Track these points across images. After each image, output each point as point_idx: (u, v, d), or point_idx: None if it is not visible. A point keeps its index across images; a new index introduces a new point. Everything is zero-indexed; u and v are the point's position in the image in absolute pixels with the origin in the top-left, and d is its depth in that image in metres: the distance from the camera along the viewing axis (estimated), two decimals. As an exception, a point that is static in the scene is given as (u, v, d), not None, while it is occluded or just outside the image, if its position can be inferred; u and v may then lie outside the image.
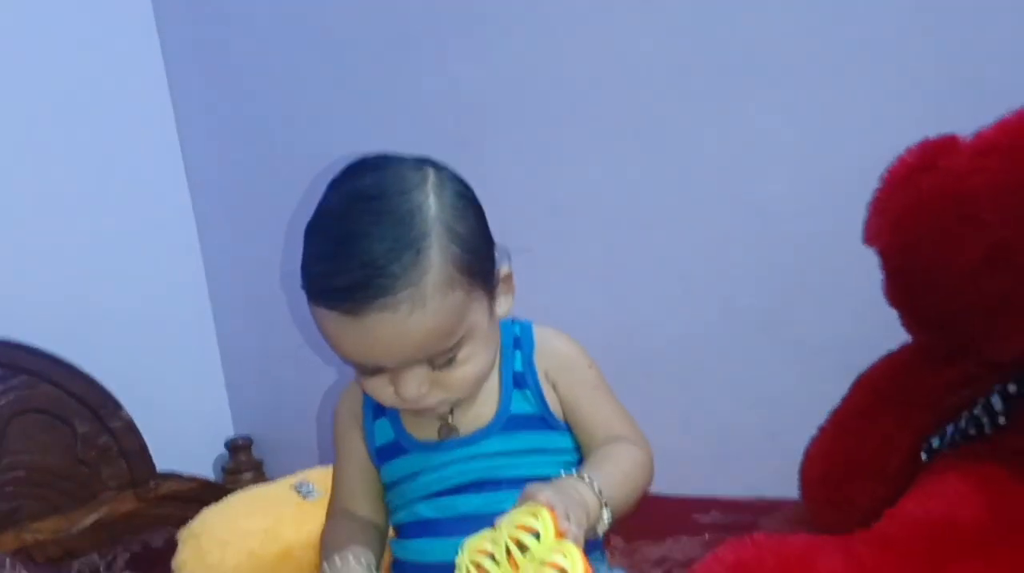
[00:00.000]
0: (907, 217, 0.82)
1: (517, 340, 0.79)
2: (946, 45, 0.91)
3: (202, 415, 1.50)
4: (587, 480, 0.69)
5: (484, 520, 0.68)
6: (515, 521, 0.62)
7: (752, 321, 1.05)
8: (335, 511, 0.83)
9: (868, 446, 0.87)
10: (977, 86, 0.88)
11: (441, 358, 0.70)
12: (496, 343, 0.76)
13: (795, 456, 0.98)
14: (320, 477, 1.02)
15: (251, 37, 1.35)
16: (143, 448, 1.35)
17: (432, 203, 0.69)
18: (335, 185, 0.72)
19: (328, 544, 0.79)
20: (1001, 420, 0.77)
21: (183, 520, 1.02)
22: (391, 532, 0.81)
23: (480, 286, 0.71)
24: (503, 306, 0.76)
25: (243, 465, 1.47)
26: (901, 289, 0.85)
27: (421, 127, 1.20)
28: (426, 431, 0.78)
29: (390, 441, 0.79)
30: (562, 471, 0.71)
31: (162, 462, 1.36)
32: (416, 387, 0.70)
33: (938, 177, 0.79)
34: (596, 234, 1.12)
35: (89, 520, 1.28)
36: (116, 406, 1.31)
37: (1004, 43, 0.89)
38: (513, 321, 0.80)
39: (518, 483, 0.70)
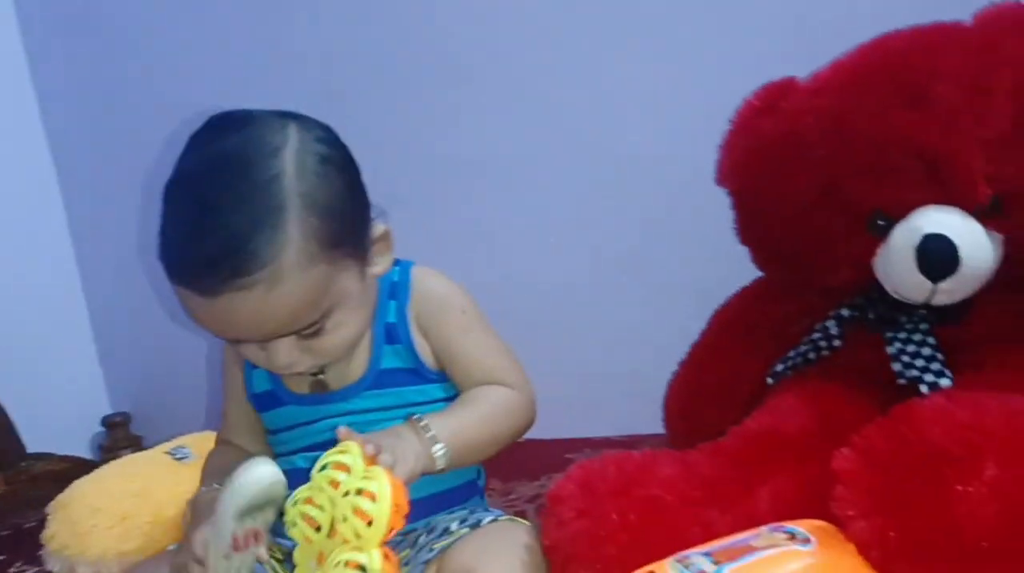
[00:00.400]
0: (750, 157, 0.87)
1: (394, 287, 0.77)
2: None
3: (76, 393, 1.45)
4: (415, 421, 0.69)
5: None
6: (326, 461, 0.63)
7: (618, 266, 1.09)
8: (218, 441, 0.85)
9: (720, 376, 0.93)
10: (818, 28, 0.93)
11: (308, 330, 0.68)
12: (371, 303, 0.74)
13: (660, 393, 1.04)
14: (196, 441, 1.01)
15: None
16: (9, 428, 1.30)
17: (291, 172, 0.65)
18: (194, 144, 0.68)
19: (206, 471, 0.79)
20: (836, 342, 0.83)
21: None
22: None
23: (348, 253, 0.69)
24: (380, 265, 0.73)
25: (121, 442, 1.43)
26: (748, 227, 0.90)
27: (293, 81, 1.18)
28: (300, 384, 0.78)
29: (267, 390, 0.79)
30: None
31: (38, 443, 1.32)
32: (285, 357, 0.69)
33: (777, 118, 0.85)
34: (468, 187, 1.14)
35: (-43, 505, 1.23)
36: None
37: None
38: (395, 262, 0.78)
39: None
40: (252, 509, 0.65)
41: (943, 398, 0.56)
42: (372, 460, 0.62)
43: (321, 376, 0.76)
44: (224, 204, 0.64)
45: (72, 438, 1.41)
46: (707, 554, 0.54)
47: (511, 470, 1.01)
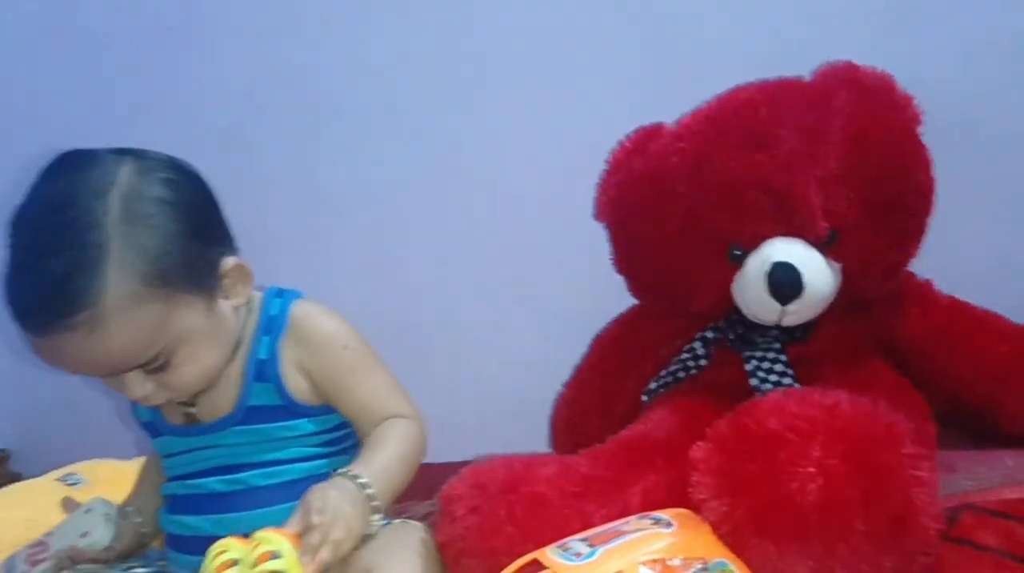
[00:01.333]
0: (623, 194, 0.96)
1: (270, 322, 0.78)
2: (655, 48, 1.07)
3: (-50, 428, 1.41)
4: (351, 477, 0.71)
5: (227, 497, 0.75)
6: (258, 558, 0.63)
7: (507, 296, 1.16)
8: (145, 466, 0.89)
9: (601, 393, 1.01)
10: (683, 81, 1.03)
11: (150, 366, 0.70)
12: (225, 336, 0.75)
13: (546, 414, 1.11)
14: (88, 469, 1.01)
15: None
16: None
17: (116, 214, 0.67)
18: (35, 184, 0.70)
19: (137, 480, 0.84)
20: (703, 362, 0.92)
21: None
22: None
23: (187, 290, 0.70)
24: (235, 298, 0.75)
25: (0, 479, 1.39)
26: (623, 257, 0.98)
27: (183, 120, 1.21)
28: (175, 416, 0.79)
29: (149, 420, 0.82)
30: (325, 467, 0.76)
31: None
32: (138, 390, 0.71)
33: (646, 159, 0.94)
34: (362, 222, 1.19)
35: None
36: None
37: (705, 43, 1.05)
38: (279, 293, 0.80)
39: (259, 465, 0.76)
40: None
41: (779, 394, 0.65)
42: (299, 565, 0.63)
43: (192, 409, 0.78)
44: (47, 249, 0.66)
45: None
46: (584, 540, 0.61)
47: (403, 492, 1.05)
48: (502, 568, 0.61)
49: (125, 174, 0.69)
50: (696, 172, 0.87)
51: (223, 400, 0.77)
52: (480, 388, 1.20)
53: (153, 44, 1.22)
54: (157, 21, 1.22)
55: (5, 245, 0.69)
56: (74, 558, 0.77)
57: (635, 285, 0.99)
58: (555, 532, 0.63)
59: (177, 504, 0.79)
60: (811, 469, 0.57)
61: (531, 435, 1.13)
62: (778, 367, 0.85)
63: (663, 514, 0.63)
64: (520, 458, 0.72)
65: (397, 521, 0.77)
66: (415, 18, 1.13)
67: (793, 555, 0.57)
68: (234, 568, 0.63)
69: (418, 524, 0.76)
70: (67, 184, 0.69)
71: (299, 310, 0.79)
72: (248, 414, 0.77)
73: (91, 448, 1.20)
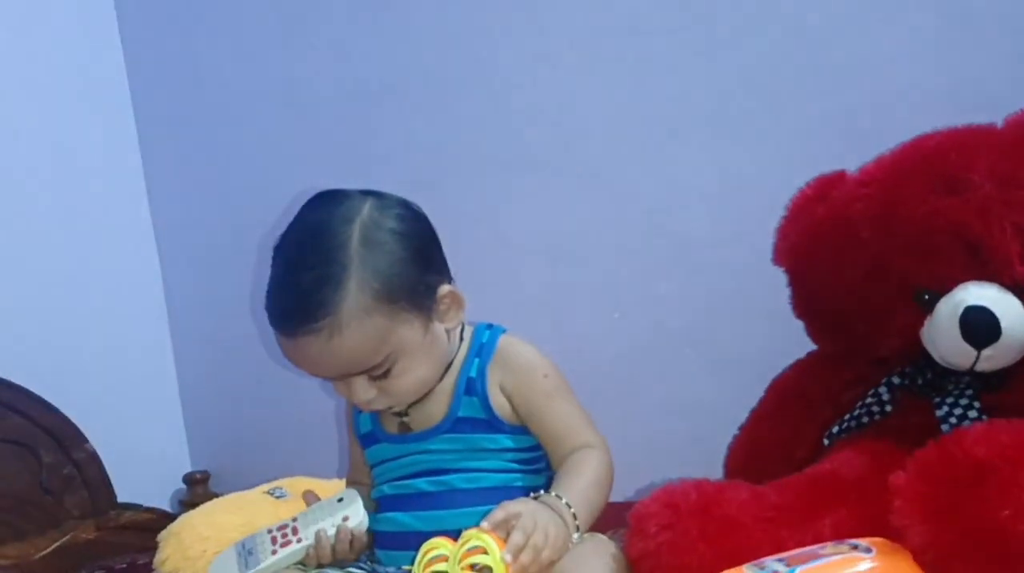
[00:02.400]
0: (805, 240, 0.97)
1: (481, 347, 0.89)
2: (834, 98, 1.09)
3: (160, 449, 1.53)
4: (560, 500, 0.79)
5: (433, 497, 0.84)
6: (466, 553, 0.70)
7: (680, 340, 1.19)
8: (348, 481, 0.98)
9: (778, 438, 1.01)
10: (860, 129, 1.05)
11: (375, 372, 0.81)
12: (439, 354, 0.85)
13: (719, 457, 1.11)
14: (291, 484, 1.11)
15: (222, 88, 1.47)
16: (105, 479, 1.38)
17: (356, 239, 0.79)
18: (296, 216, 0.85)
19: None
20: (888, 408, 0.91)
21: (143, 549, 1.07)
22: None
23: (407, 308, 0.81)
24: (449, 322, 0.86)
25: (200, 498, 1.49)
26: (803, 302, 0.99)
27: (387, 174, 1.32)
28: (391, 425, 0.90)
29: (369, 431, 0.92)
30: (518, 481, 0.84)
31: (121, 495, 1.40)
32: (362, 393, 0.82)
33: (829, 205, 0.95)
34: (542, 267, 1.25)
35: (51, 547, 1.30)
36: (81, 438, 1.35)
37: (883, 93, 1.06)
38: (489, 326, 0.91)
39: (463, 472, 0.85)
40: None
41: (986, 424, 0.64)
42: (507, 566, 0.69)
43: (405, 418, 0.88)
44: (302, 265, 0.80)
45: (154, 493, 1.48)
46: (781, 560, 0.62)
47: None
48: (697, 584, 0.63)
49: (367, 208, 0.82)
50: (883, 217, 0.88)
51: (435, 411, 0.87)
52: (651, 431, 1.21)
53: (359, 104, 1.36)
54: (361, 84, 1.35)
55: (272, 264, 0.84)
56: (336, 546, 0.83)
57: (815, 330, 1.00)
58: (748, 554, 0.64)
59: (388, 503, 0.88)
60: (1023, 497, 0.56)
61: (704, 475, 1.13)
62: (972, 414, 0.83)
63: (861, 541, 0.63)
64: (711, 482, 0.74)
65: (587, 535, 0.81)
66: (596, 71, 1.20)
67: (1003, 585, 0.56)
68: (444, 564, 0.68)
69: (607, 539, 0.80)
70: (321, 214, 0.82)
71: (506, 340, 0.89)
72: (456, 424, 0.86)
73: (284, 471, 1.30)
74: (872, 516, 0.69)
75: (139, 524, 1.39)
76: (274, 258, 0.83)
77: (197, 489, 1.49)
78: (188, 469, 1.52)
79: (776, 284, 1.03)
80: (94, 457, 1.36)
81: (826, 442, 0.94)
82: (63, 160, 1.40)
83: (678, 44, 1.15)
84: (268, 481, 1.40)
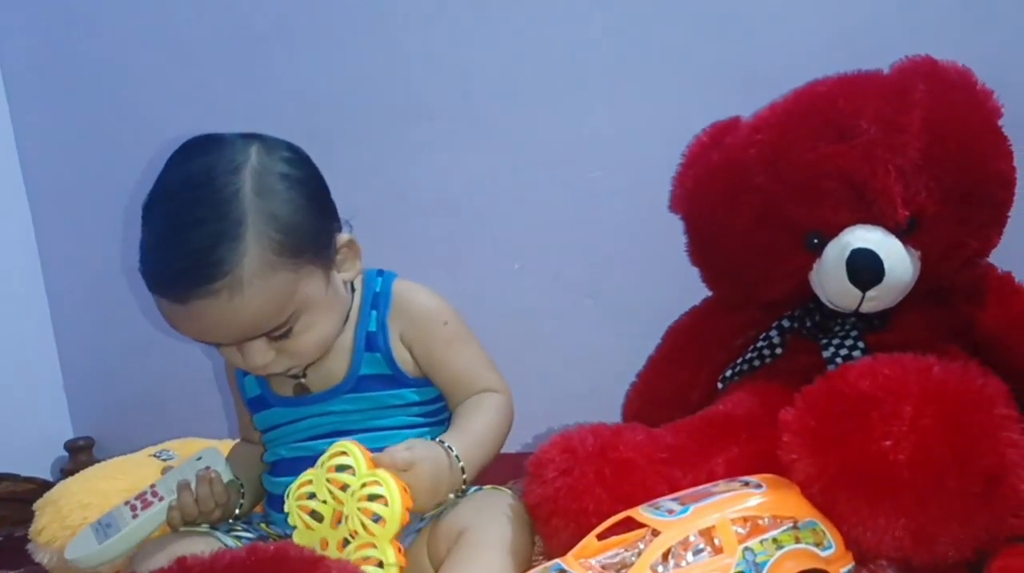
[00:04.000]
0: (699, 187, 0.98)
1: (376, 298, 0.83)
2: (730, 46, 1.09)
3: (39, 416, 1.46)
4: (445, 446, 0.75)
5: None
6: (327, 461, 0.69)
7: (579, 290, 1.19)
8: (239, 439, 0.94)
9: (674, 383, 1.02)
10: (757, 76, 1.05)
11: (276, 332, 0.74)
12: (340, 307, 0.80)
13: (618, 406, 1.12)
14: (180, 446, 1.06)
15: (92, 27, 1.37)
16: None
17: (249, 189, 0.72)
18: (167, 167, 0.76)
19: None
20: (778, 350, 0.93)
21: (21, 522, 1.01)
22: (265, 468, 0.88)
23: (311, 260, 0.74)
24: (348, 271, 0.80)
25: (83, 466, 1.40)
26: (699, 249, 1.00)
27: (269, 123, 1.26)
28: (284, 388, 0.84)
29: (257, 395, 0.86)
30: (426, 436, 0.79)
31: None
32: (260, 358, 0.75)
33: (723, 151, 0.96)
34: (439, 219, 1.23)
35: (-83, 522, 1.23)
36: None
37: (777, 41, 1.07)
38: (379, 273, 0.85)
39: (368, 431, 0.80)
40: None
41: (870, 359, 0.66)
42: (373, 462, 0.68)
43: (302, 379, 0.83)
44: (189, 220, 0.71)
45: (35, 461, 1.41)
46: (675, 499, 0.63)
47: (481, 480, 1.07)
48: (591, 528, 0.63)
49: (254, 153, 0.74)
50: (774, 163, 0.89)
51: (334, 370, 0.82)
52: (550, 382, 1.21)
53: (241, 51, 1.29)
54: (246, 30, 1.28)
55: (143, 223, 0.75)
56: (198, 495, 0.79)
57: (710, 276, 1.01)
58: (644, 495, 0.65)
59: (284, 466, 0.83)
60: (904, 428, 0.58)
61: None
62: (856, 354, 0.86)
63: (752, 478, 0.65)
64: (608, 426, 0.74)
65: (487, 487, 0.80)
66: (493, 20, 1.18)
67: (885, 513, 0.58)
68: (309, 487, 0.68)
69: (507, 490, 0.79)
70: (203, 163, 0.74)
71: (401, 287, 0.84)
72: (358, 383, 0.81)
73: (172, 435, 1.24)
74: (763, 453, 0.70)
75: (17, 495, 1.33)
76: (149, 214, 0.75)
77: (80, 457, 1.42)
78: (70, 436, 1.45)
79: (673, 232, 1.03)
80: (-39, 425, 1.28)
81: (720, 386, 0.96)
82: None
83: (575, -9, 1.14)
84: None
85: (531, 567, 0.66)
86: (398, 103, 1.23)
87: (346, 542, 0.68)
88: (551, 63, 1.16)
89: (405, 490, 0.67)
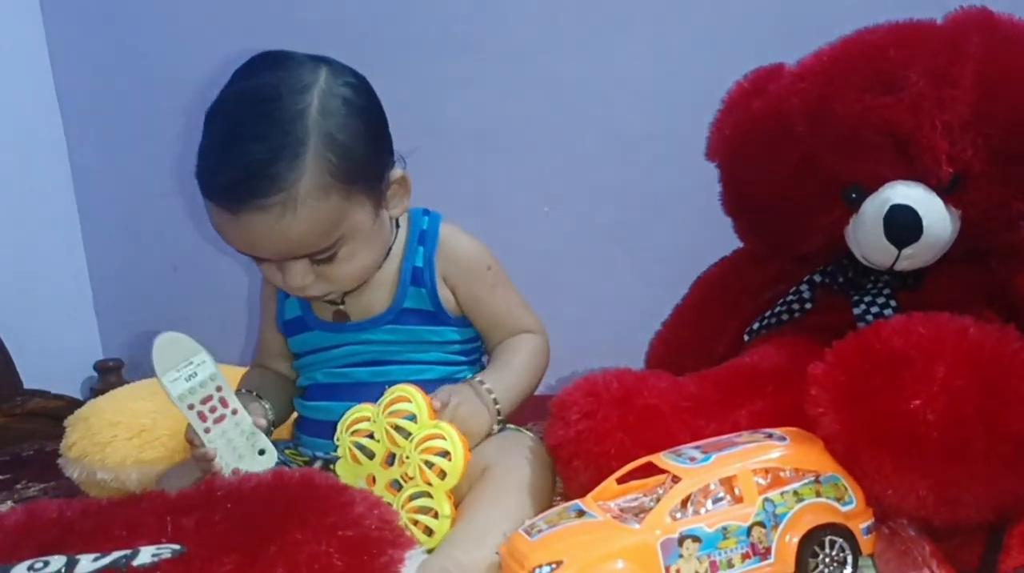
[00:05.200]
0: (739, 134, 0.96)
1: (423, 235, 0.83)
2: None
3: (70, 337, 1.47)
4: (478, 384, 0.78)
5: (374, 387, 0.77)
6: (387, 403, 0.71)
7: (609, 236, 1.17)
8: (253, 364, 0.92)
9: (701, 332, 1.02)
10: (802, 22, 1.02)
11: (320, 255, 0.74)
12: (383, 241, 0.80)
13: (641, 353, 1.12)
14: (207, 370, 1.07)
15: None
16: (8, 363, 1.32)
17: (315, 110, 0.71)
18: (236, 77, 0.76)
19: (241, 388, 0.86)
20: (808, 305, 0.92)
21: (53, 436, 1.03)
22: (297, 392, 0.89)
23: (363, 190, 0.74)
24: (397, 207, 0.80)
25: (112, 387, 1.43)
26: (733, 199, 0.99)
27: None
28: (325, 312, 0.84)
29: (296, 317, 0.86)
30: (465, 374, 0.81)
31: (28, 382, 1.34)
32: (299, 278, 0.75)
33: (765, 99, 0.93)
34: (469, 156, 1.22)
35: (-50, 433, 1.26)
36: None
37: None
38: (425, 212, 0.85)
39: (405, 363, 0.82)
40: (181, 379, 0.75)
41: (905, 317, 0.65)
42: (434, 412, 0.70)
43: (341, 306, 0.83)
44: (252, 133, 0.71)
45: (64, 381, 1.43)
46: (697, 447, 0.63)
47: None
48: (611, 471, 0.63)
49: (323, 75, 0.74)
50: (817, 113, 0.87)
51: (376, 301, 0.82)
52: (574, 325, 1.21)
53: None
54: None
55: (205, 130, 0.75)
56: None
57: (743, 226, 1.00)
58: (666, 442, 0.65)
59: (319, 391, 0.84)
60: (935, 388, 0.57)
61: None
62: (888, 312, 0.85)
63: (776, 430, 0.64)
64: (633, 372, 0.74)
65: (511, 427, 0.81)
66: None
67: (909, 472, 0.58)
68: (367, 422, 0.69)
69: (529, 433, 0.79)
70: (272, 78, 0.73)
71: (447, 230, 0.84)
72: (400, 315, 0.82)
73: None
74: (788, 407, 0.70)
75: (48, 411, 1.34)
76: (212, 121, 0.74)
77: (110, 377, 1.43)
78: (100, 357, 1.47)
79: (707, 181, 1.01)
80: (-7, 339, 1.29)
81: (747, 338, 0.95)
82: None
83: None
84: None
85: (550, 507, 0.67)
86: (434, 36, 1.21)
87: (395, 484, 0.70)
88: (591, 1, 1.13)
89: (466, 445, 0.68)
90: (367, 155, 0.75)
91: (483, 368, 0.85)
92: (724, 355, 0.96)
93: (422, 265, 0.82)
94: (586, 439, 0.68)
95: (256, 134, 0.71)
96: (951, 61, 0.83)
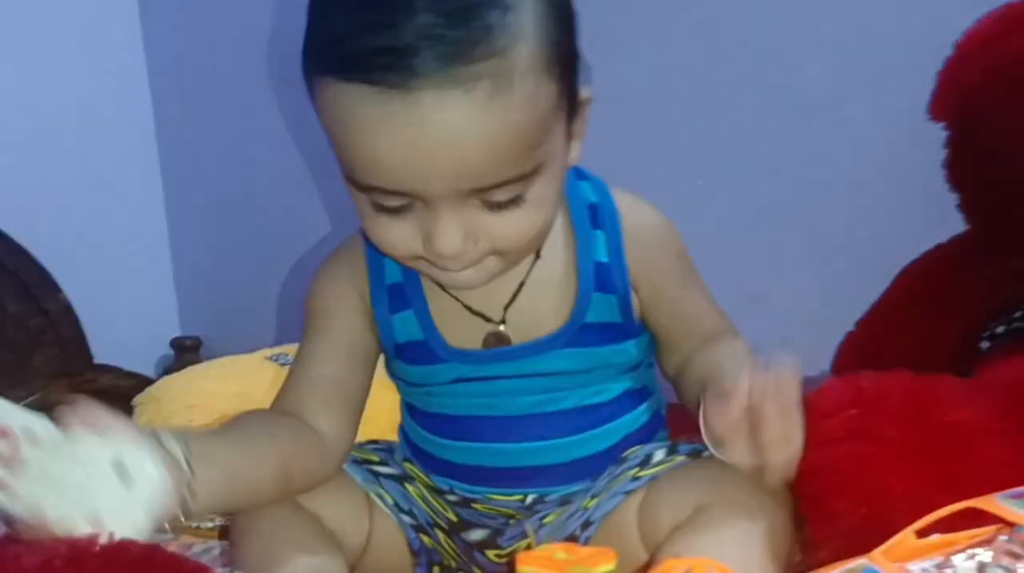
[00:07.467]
0: (981, 86, 0.77)
1: (595, 211, 0.59)
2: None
3: (146, 312, 1.39)
4: None
5: (535, 422, 0.58)
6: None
7: (778, 217, 0.99)
8: (280, 410, 0.61)
9: (905, 342, 0.82)
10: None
11: (502, 194, 0.49)
12: (560, 195, 0.56)
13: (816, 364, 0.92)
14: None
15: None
16: (80, 336, 1.25)
17: None
18: None
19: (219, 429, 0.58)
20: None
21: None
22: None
23: (567, 97, 0.51)
24: (574, 149, 0.55)
25: (188, 366, 1.36)
26: (966, 167, 0.80)
27: None
28: (466, 335, 0.59)
29: (417, 341, 0.60)
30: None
31: (99, 357, 1.27)
32: (457, 237, 0.49)
33: (1018, 42, 0.74)
34: (620, 114, 1.03)
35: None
36: (54, 288, 1.20)
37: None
38: (579, 174, 0.61)
39: (581, 391, 0.60)
40: None
41: None
42: None
43: (501, 327, 0.59)
44: None
45: (138, 357, 1.33)
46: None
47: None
48: (895, 515, 0.43)
49: None
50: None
51: (548, 311, 0.59)
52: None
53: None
54: None
55: None
56: None
57: (978, 205, 0.80)
58: (979, 476, 0.44)
59: (448, 426, 0.63)
60: None
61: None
62: None
63: None
64: (913, 375, 0.53)
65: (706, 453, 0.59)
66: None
67: None
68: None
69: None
70: None
71: (625, 200, 0.61)
72: (579, 334, 0.59)
73: (279, 341, 1.13)
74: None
75: (120, 390, 1.23)
76: None
77: (186, 356, 1.34)
78: (177, 334, 1.39)
79: (908, 150, 0.85)
80: (68, 310, 1.22)
81: (985, 344, 0.74)
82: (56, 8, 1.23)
83: None
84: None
85: (791, 557, 0.46)
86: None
87: None
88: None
89: None
90: (573, 49, 0.51)
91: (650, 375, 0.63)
92: (939, 367, 0.76)
93: (608, 260, 0.58)
94: (852, 467, 0.47)
95: None
96: None
